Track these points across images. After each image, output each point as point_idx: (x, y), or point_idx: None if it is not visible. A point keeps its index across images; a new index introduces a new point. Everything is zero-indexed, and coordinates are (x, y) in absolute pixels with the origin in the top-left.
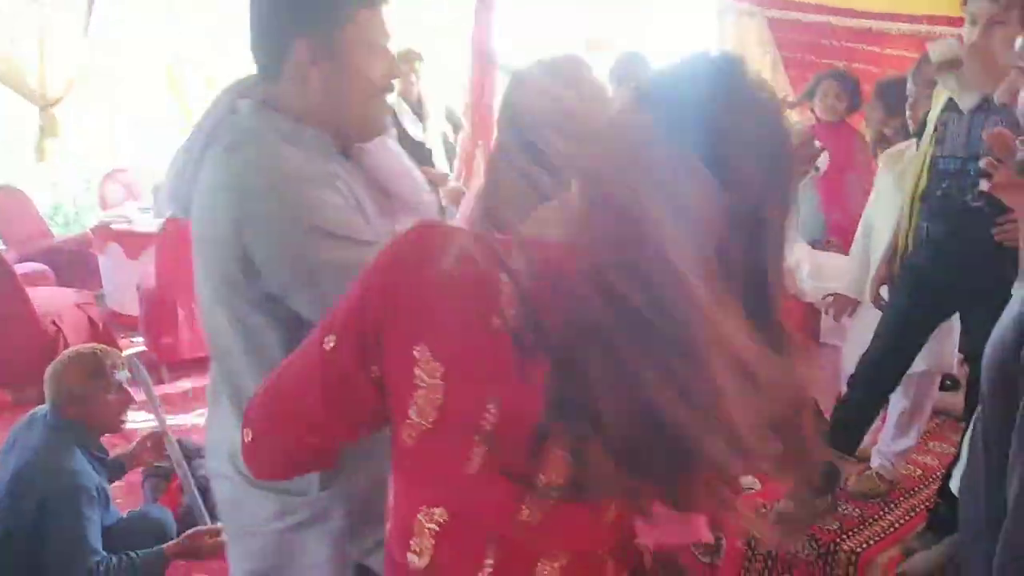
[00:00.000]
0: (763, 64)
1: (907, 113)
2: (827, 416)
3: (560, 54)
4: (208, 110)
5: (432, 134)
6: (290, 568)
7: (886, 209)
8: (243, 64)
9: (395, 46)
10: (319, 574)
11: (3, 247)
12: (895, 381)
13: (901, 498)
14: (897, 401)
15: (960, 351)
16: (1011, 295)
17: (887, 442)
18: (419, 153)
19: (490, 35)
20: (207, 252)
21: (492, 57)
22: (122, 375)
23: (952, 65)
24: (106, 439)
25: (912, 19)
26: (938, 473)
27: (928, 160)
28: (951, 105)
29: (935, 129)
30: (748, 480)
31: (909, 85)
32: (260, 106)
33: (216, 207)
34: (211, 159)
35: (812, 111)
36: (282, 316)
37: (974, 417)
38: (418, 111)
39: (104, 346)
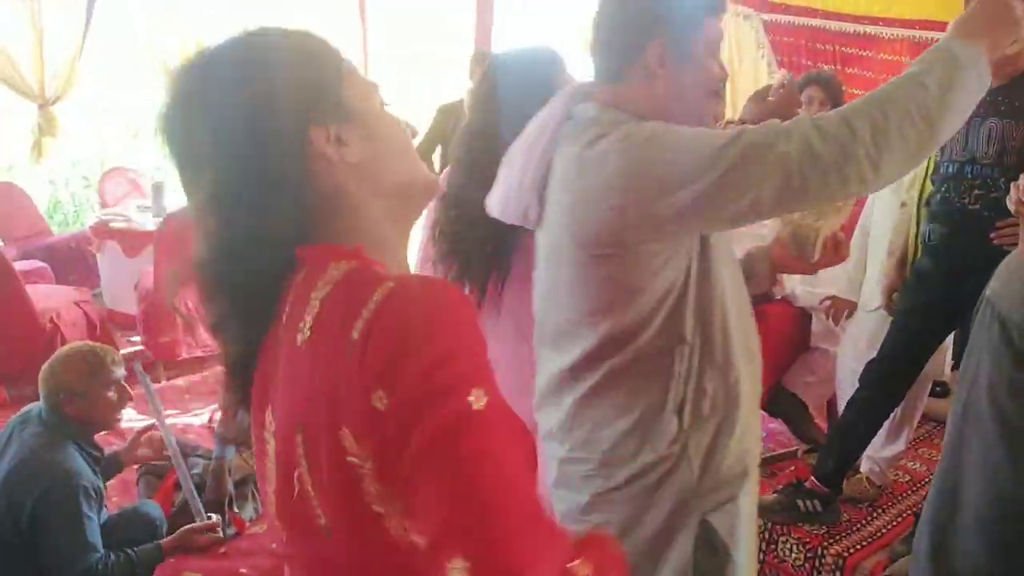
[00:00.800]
0: (758, 66)
1: None
2: (816, 420)
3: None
4: (541, 123)
5: None
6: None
7: (883, 213)
8: None
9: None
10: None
11: (1, 244)
12: (907, 384)
13: (889, 503)
14: None
15: (953, 358)
16: None
17: (877, 447)
18: None
19: (489, 35)
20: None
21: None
22: (120, 372)
23: None
24: (100, 436)
25: (905, 23)
26: (926, 479)
27: (930, 165)
28: None
29: None
30: None
31: None
32: (605, 106)
33: (612, 188)
34: (573, 158)
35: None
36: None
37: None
38: None
39: (102, 344)
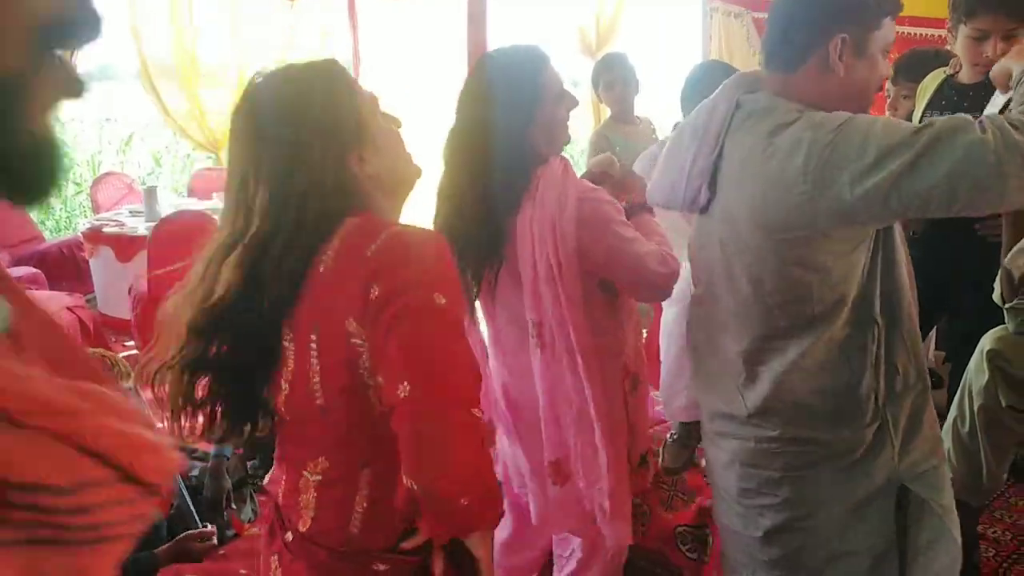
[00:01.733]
0: (749, 64)
1: (887, 114)
2: None
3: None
4: (709, 111)
5: None
6: None
7: None
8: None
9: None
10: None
11: None
12: None
13: None
14: None
15: (939, 348)
16: (992, 287)
17: None
18: None
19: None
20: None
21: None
22: (128, 384)
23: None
24: None
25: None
26: None
27: None
28: (933, 104)
29: None
30: None
31: (888, 86)
32: (776, 96)
33: (805, 174)
34: (756, 145)
35: None
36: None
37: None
38: None
39: (111, 353)
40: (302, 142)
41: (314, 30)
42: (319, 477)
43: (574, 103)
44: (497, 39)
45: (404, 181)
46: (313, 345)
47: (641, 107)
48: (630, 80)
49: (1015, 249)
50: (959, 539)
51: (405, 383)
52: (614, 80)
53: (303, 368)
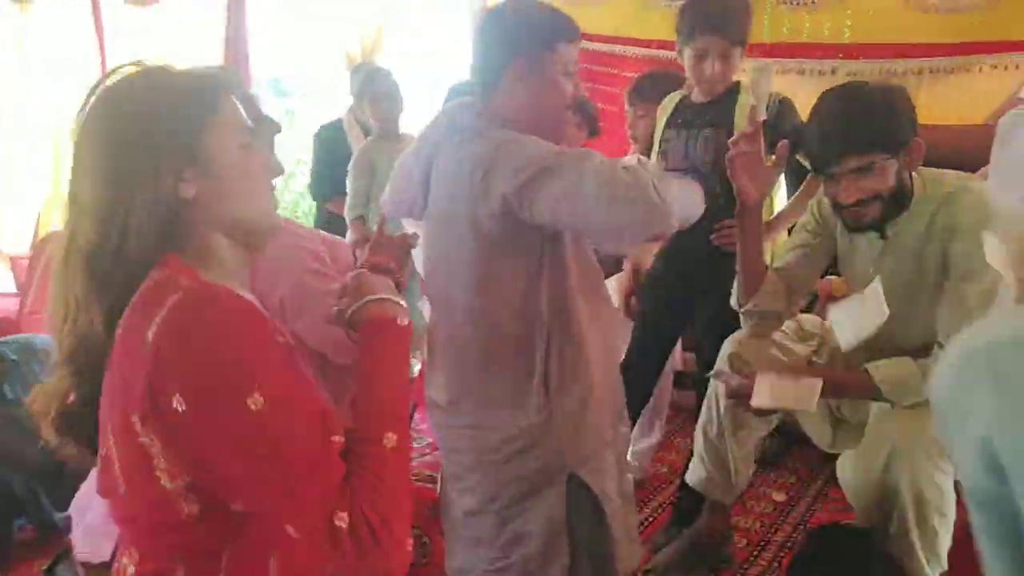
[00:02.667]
0: None
1: (628, 133)
2: None
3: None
4: (430, 126)
5: None
6: None
7: None
8: None
9: None
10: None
11: None
12: (654, 380)
13: (649, 496)
14: None
15: (685, 349)
16: (730, 293)
17: (634, 441)
18: None
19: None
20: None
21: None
22: None
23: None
24: None
25: (641, 43)
26: (683, 468)
27: None
28: (670, 123)
29: (659, 145)
30: None
31: (627, 107)
32: (479, 115)
33: (473, 178)
34: (450, 157)
35: None
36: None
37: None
38: None
39: None
40: (113, 155)
41: (51, 33)
42: (133, 569)
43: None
44: (257, 57)
45: (254, 232)
46: (109, 427)
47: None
48: (395, 95)
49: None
50: (627, 528)
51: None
52: (379, 95)
53: (107, 447)
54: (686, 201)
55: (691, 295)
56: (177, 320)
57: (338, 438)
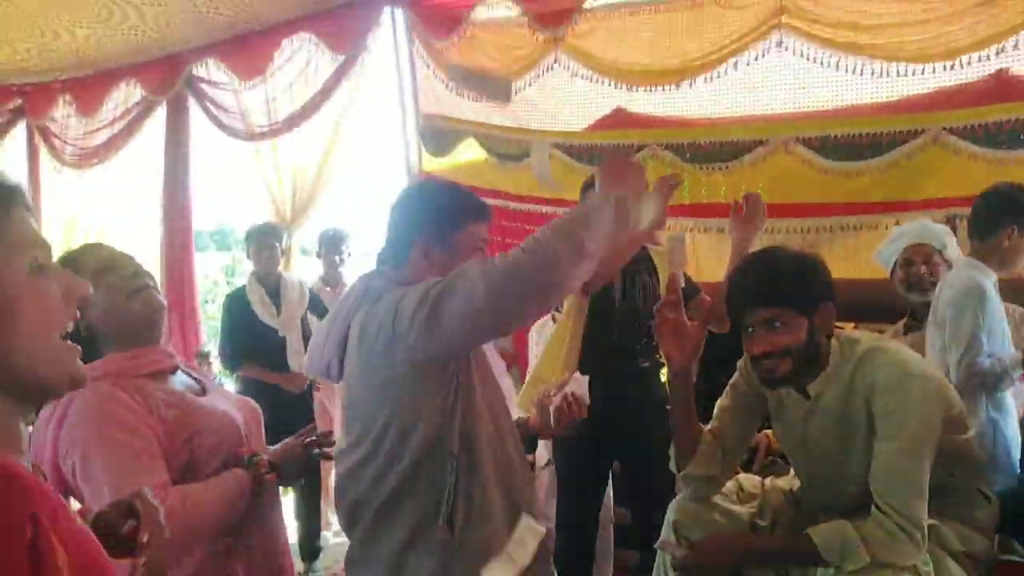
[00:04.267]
0: None
1: None
2: None
3: None
4: (346, 295)
5: None
6: None
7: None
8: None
9: None
10: None
11: None
12: (594, 542)
13: None
14: None
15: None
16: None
17: None
18: None
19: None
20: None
21: None
22: None
23: None
24: None
25: (570, 204)
26: None
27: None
28: None
29: None
30: None
31: None
32: (388, 282)
33: (381, 325)
34: (364, 316)
35: None
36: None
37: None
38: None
39: None
40: None
41: None
42: None
43: None
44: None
45: (39, 386)
46: None
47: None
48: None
49: None
50: None
51: None
52: (329, 250)
53: None
54: (598, 231)
55: (615, 447)
56: None
57: None
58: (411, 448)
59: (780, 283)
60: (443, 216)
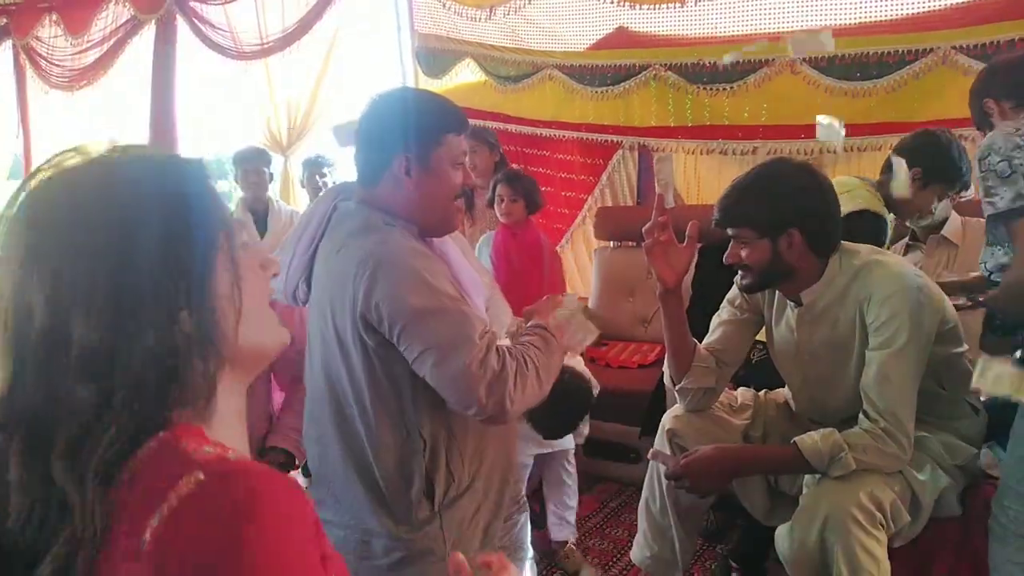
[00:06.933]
0: None
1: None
2: None
3: None
4: (309, 215)
5: None
6: None
7: None
8: None
9: None
10: None
11: None
12: None
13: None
14: None
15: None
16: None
17: None
18: None
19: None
20: (335, 319)
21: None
22: None
23: None
24: None
25: (571, 127)
26: (628, 544)
27: None
28: None
29: None
30: None
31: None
32: (362, 204)
33: (355, 276)
34: (333, 249)
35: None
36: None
37: None
38: None
39: None
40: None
41: None
42: None
43: None
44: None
45: (264, 356)
46: None
47: None
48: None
49: None
50: None
51: None
52: (310, 177)
53: None
54: (530, 397)
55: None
56: (192, 515)
57: None
58: (383, 416)
59: (740, 204)
60: (428, 129)
